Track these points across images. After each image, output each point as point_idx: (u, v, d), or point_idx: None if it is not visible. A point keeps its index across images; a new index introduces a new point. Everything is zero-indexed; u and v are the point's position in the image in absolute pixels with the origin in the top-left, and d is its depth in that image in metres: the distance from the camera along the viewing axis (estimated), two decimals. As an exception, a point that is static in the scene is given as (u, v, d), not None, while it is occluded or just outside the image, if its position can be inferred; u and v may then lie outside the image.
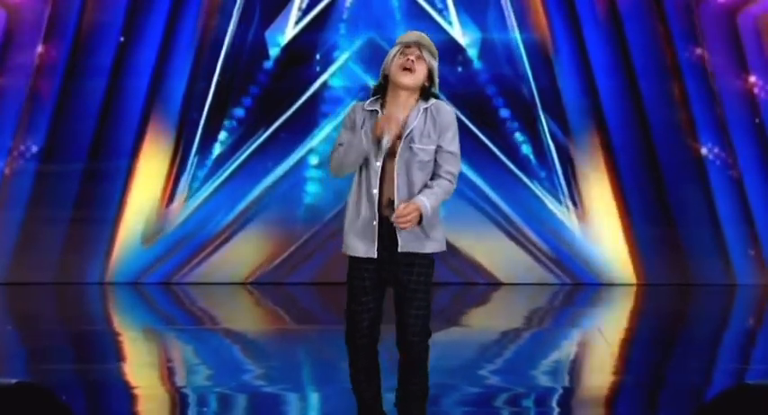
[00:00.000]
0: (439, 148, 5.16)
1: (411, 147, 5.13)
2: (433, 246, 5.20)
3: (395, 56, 5.19)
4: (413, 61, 5.14)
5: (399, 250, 5.14)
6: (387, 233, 5.15)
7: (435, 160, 5.16)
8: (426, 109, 5.18)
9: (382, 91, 5.25)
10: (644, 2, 11.69)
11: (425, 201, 5.07)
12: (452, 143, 5.17)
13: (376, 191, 5.13)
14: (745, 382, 4.52)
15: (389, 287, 5.27)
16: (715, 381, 7.47)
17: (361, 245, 5.17)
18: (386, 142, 5.11)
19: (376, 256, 5.15)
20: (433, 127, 5.14)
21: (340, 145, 5.21)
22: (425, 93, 5.21)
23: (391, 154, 5.14)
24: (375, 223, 5.14)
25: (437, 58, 5.24)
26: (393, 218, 5.05)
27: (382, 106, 5.20)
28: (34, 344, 8.73)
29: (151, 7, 11.56)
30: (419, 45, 5.19)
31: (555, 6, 11.66)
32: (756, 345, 9.14)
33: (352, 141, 5.15)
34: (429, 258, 5.21)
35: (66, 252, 11.57)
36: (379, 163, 5.14)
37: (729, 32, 11.70)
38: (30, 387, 4.10)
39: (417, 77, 5.17)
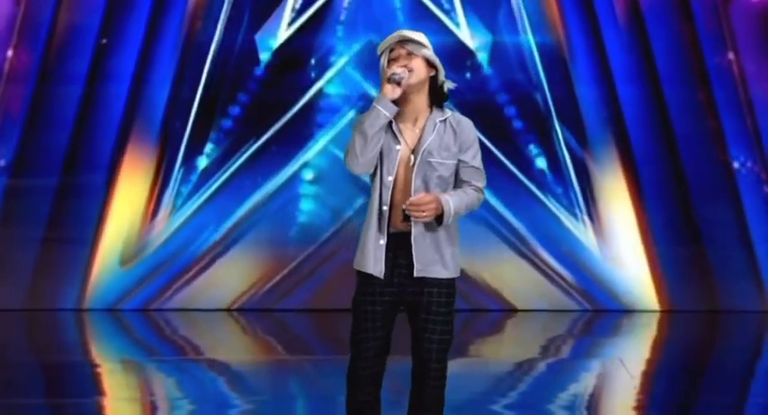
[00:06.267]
0: (462, 163, 5.21)
1: (429, 161, 5.15)
2: (450, 271, 5.18)
3: (385, 66, 5.19)
4: (405, 69, 5.11)
5: (416, 274, 5.12)
6: (402, 252, 5.12)
7: (458, 176, 5.21)
8: (444, 121, 5.20)
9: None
10: (669, 1, 11.68)
11: (449, 198, 5.09)
12: (476, 158, 5.23)
13: (386, 208, 5.13)
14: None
15: (401, 313, 5.22)
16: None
17: (371, 262, 5.13)
18: (401, 72, 5.07)
19: (382, 277, 5.11)
20: (453, 140, 5.18)
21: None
22: (437, 93, 5.19)
23: (406, 168, 5.13)
24: (382, 242, 5.12)
25: (429, 45, 5.22)
26: (406, 205, 5.02)
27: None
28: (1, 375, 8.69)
29: (131, 8, 11.52)
30: (401, 43, 5.17)
31: (572, 7, 11.63)
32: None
33: (370, 114, 5.07)
34: (449, 280, 5.19)
35: (38, 276, 11.50)
36: (391, 178, 5.14)
37: (762, 35, 11.71)
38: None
39: (418, 74, 5.14)
